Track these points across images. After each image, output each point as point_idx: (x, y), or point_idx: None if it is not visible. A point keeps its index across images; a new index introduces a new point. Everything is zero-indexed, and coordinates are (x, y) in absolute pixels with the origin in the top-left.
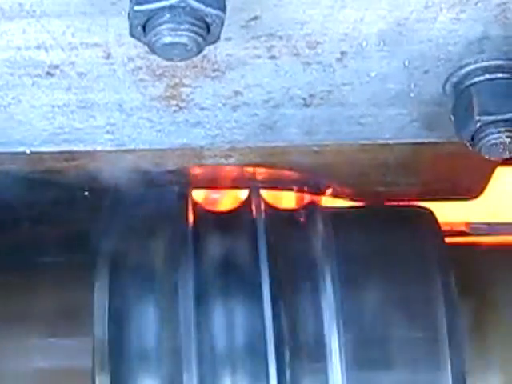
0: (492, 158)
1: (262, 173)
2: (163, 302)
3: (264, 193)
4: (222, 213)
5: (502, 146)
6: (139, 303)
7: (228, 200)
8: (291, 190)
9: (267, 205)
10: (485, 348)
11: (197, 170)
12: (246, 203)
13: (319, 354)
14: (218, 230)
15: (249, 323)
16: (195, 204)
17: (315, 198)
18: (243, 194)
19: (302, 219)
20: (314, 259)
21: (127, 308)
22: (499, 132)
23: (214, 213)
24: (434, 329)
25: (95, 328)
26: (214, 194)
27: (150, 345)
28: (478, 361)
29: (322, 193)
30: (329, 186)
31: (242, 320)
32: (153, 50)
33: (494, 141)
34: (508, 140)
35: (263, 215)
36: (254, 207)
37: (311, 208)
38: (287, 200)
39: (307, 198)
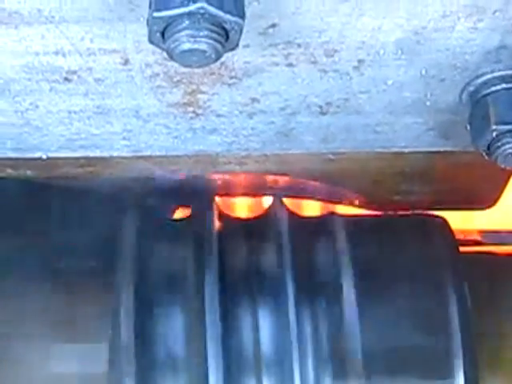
0: (508, 168)
1: (280, 181)
2: (189, 310)
3: (286, 201)
4: (247, 220)
5: None
6: (165, 312)
7: (250, 207)
8: (310, 198)
9: (290, 213)
10: (499, 358)
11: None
12: (271, 211)
13: (340, 363)
14: (244, 237)
15: (275, 330)
16: (220, 211)
17: (332, 206)
18: (266, 201)
19: (323, 228)
20: (336, 269)
21: (153, 316)
22: None
23: (239, 220)
24: (448, 339)
25: (122, 333)
26: (235, 200)
27: (176, 354)
28: (492, 371)
29: (338, 201)
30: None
31: (267, 328)
32: (171, 57)
33: (510, 150)
34: None
35: (287, 224)
36: (278, 215)
37: (331, 217)
38: (307, 208)
39: (327, 206)
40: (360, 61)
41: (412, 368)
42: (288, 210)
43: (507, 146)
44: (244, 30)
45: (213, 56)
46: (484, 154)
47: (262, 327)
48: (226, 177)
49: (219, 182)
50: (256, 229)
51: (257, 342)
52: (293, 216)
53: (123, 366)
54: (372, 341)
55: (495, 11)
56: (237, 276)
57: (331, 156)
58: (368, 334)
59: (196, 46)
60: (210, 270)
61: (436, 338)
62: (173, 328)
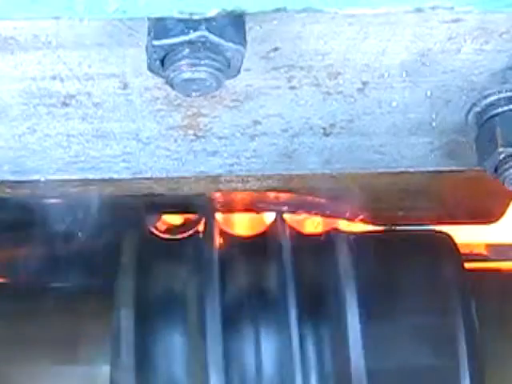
0: None
1: (282, 197)
2: (191, 330)
3: (288, 217)
4: (249, 238)
5: None
6: (166, 332)
7: (252, 224)
8: (314, 214)
9: (292, 229)
10: (506, 375)
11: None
12: (272, 228)
13: (345, 381)
14: (244, 256)
15: (277, 352)
16: (220, 229)
17: (334, 222)
18: (268, 217)
19: (326, 245)
20: (339, 286)
21: (154, 337)
22: None
23: (240, 238)
24: (455, 357)
25: (122, 357)
26: (236, 218)
27: (177, 375)
28: None
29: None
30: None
31: (270, 348)
32: (171, 85)
33: None
34: None
35: (289, 241)
36: (279, 233)
37: (334, 233)
38: (308, 225)
39: (329, 222)
40: (364, 83)
41: None
42: (290, 227)
43: None
44: (245, 55)
45: (214, 85)
46: (491, 175)
47: (264, 349)
48: (227, 193)
49: (220, 199)
50: (257, 247)
51: (259, 364)
52: (294, 233)
53: None
54: (377, 361)
55: (502, 33)
56: (238, 297)
57: (334, 173)
58: (373, 354)
59: (196, 75)
60: (211, 292)
61: (442, 358)
62: (174, 351)
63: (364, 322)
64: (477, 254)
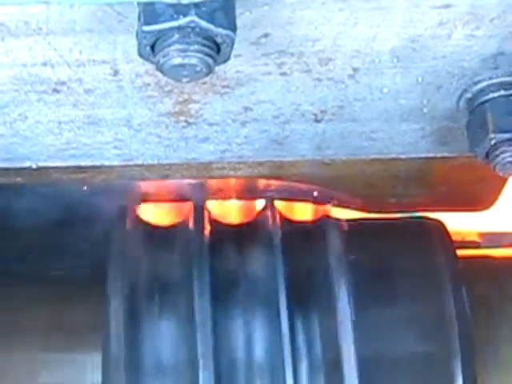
0: (507, 176)
1: (272, 184)
2: (179, 315)
3: (278, 204)
4: (238, 225)
5: None
6: (155, 318)
7: (243, 211)
8: (304, 201)
9: (282, 216)
10: (497, 362)
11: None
12: (262, 215)
13: (336, 369)
14: (234, 242)
15: (267, 337)
16: (211, 216)
17: (325, 208)
18: (258, 204)
19: (316, 232)
20: (329, 274)
21: (142, 323)
22: None
23: (229, 225)
24: (446, 344)
25: (111, 344)
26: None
27: (167, 362)
28: (491, 374)
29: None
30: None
31: (260, 334)
32: (161, 71)
33: (509, 158)
34: None
35: (279, 228)
36: (270, 219)
37: (325, 220)
38: (299, 211)
39: (320, 209)
40: (355, 69)
41: (409, 376)
42: (280, 214)
43: (506, 155)
44: (236, 41)
45: (204, 70)
46: (482, 161)
47: (254, 338)
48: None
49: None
50: (247, 234)
51: (249, 353)
52: (284, 220)
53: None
54: (368, 348)
55: (493, 19)
56: (228, 284)
57: (326, 160)
58: (364, 342)
59: (186, 60)
60: (201, 280)
61: (434, 345)
62: (164, 338)
63: (355, 309)
64: (469, 242)
